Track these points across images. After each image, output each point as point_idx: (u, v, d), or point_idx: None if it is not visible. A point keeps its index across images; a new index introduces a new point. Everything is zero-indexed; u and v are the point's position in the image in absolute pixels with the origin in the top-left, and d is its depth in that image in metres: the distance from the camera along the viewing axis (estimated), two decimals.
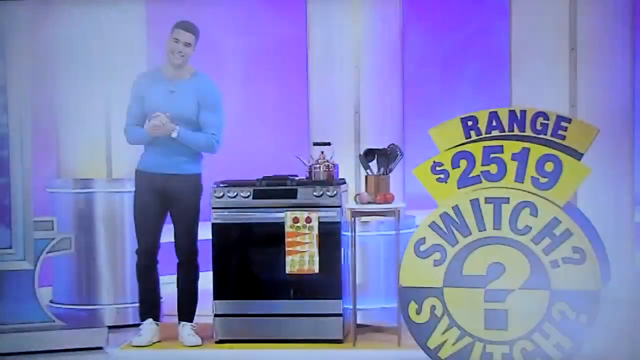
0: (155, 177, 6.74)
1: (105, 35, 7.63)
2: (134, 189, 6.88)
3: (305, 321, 6.80)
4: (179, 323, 6.88)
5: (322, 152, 7.01)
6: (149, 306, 6.87)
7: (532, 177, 6.07)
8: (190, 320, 6.87)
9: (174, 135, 6.65)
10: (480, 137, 6.27)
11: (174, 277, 6.92)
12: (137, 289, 6.92)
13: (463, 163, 6.19)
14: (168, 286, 7.12)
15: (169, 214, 6.83)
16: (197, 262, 6.85)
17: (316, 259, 6.75)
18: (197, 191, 6.81)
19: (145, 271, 6.84)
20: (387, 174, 6.86)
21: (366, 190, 6.86)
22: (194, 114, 6.73)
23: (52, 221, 6.92)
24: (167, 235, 6.86)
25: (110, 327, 6.98)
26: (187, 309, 6.86)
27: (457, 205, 6.13)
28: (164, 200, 6.76)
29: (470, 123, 6.29)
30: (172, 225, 6.84)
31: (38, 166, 7.10)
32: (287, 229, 6.77)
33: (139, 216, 6.80)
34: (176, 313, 6.94)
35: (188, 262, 6.83)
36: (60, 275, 7.68)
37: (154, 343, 6.85)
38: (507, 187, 6.10)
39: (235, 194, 6.87)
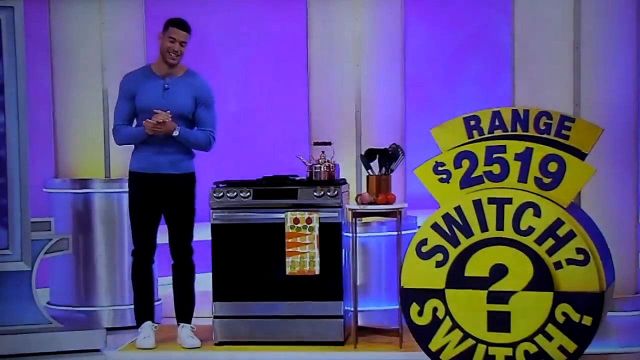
0: (151, 177, 6.67)
1: (104, 34, 7.59)
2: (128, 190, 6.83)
3: (306, 323, 6.75)
4: (178, 324, 6.83)
5: (323, 152, 6.96)
6: (146, 308, 6.81)
7: (535, 177, 6.03)
8: (189, 320, 6.82)
9: (176, 133, 6.58)
10: (483, 136, 6.25)
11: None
12: (133, 291, 6.85)
13: (465, 163, 6.15)
14: (168, 287, 7.07)
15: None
16: (192, 261, 6.81)
17: (317, 260, 6.70)
18: (193, 190, 6.75)
19: (142, 272, 6.78)
20: (388, 174, 6.80)
21: (367, 191, 6.81)
22: (190, 111, 6.68)
23: (50, 222, 6.91)
24: (165, 236, 6.80)
25: (108, 329, 6.97)
26: (185, 309, 6.81)
27: (459, 205, 6.09)
28: (160, 200, 6.69)
29: (472, 122, 6.26)
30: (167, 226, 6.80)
31: (36, 166, 7.08)
32: (288, 230, 6.72)
33: (135, 217, 6.74)
34: (174, 315, 6.89)
35: (184, 262, 6.77)
36: (57, 276, 7.65)
37: None
38: (510, 188, 6.06)
39: (235, 194, 6.82)
